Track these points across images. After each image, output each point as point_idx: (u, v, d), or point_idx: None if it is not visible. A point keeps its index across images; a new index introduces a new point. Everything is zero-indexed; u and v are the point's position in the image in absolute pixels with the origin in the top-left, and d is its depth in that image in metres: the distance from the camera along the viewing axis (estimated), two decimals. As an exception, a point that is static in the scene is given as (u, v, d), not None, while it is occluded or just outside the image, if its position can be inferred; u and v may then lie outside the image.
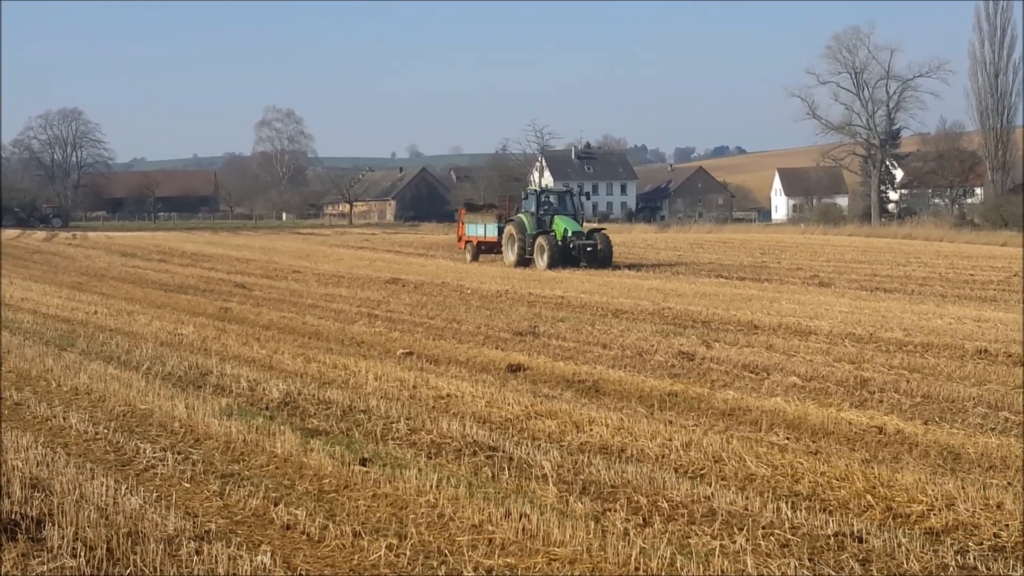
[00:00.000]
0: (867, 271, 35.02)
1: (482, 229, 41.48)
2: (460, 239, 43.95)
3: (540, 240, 36.16)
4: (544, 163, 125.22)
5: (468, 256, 41.81)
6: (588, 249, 35.85)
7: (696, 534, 7.15)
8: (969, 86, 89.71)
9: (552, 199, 38.69)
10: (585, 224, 38.52)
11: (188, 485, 8.45)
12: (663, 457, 9.17)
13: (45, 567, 6.56)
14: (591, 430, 10.06)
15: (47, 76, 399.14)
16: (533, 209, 37.78)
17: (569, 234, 36.00)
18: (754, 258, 42.99)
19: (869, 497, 7.90)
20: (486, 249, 41.17)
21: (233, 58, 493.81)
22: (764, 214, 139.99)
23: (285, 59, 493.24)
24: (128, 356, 14.89)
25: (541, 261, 35.78)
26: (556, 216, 37.17)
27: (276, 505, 7.80)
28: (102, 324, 18.97)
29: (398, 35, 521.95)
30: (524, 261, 36.81)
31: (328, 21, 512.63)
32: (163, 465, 8.97)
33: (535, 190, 39.71)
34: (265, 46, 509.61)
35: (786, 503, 7.71)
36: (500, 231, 39.48)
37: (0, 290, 25.78)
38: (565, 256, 35.71)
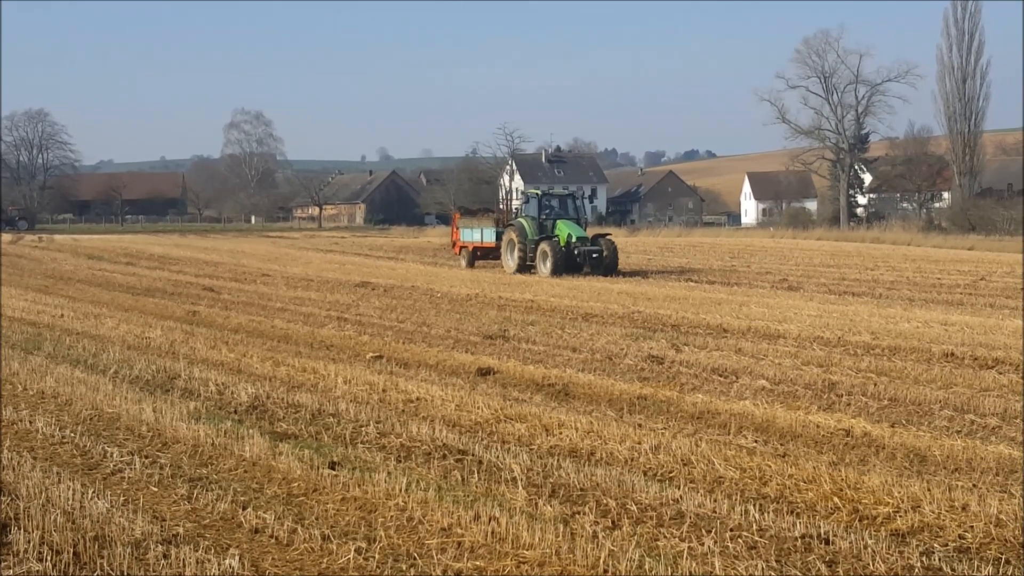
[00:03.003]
0: (835, 275, 35.23)
1: (478, 234, 39.89)
2: (455, 244, 42.18)
3: (543, 246, 34.35)
4: (515, 166, 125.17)
5: (463, 262, 40.23)
6: (594, 256, 34.13)
7: (664, 536, 7.17)
8: (937, 90, 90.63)
9: (554, 203, 36.72)
10: (588, 229, 36.53)
11: (156, 489, 8.40)
12: (632, 460, 9.20)
13: (11, 571, 6.51)
14: (560, 433, 10.08)
15: (12, 77, 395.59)
16: (534, 213, 36.04)
17: (573, 239, 34.27)
18: (723, 262, 43.15)
19: (836, 499, 7.95)
20: (482, 255, 39.87)
21: (202, 59, 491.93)
22: (734, 218, 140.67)
23: (254, 61, 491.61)
24: (95, 359, 14.78)
25: (544, 268, 34.07)
26: (559, 220, 35.51)
27: (244, 509, 7.77)
28: (69, 327, 18.82)
29: (368, 37, 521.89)
30: (525, 268, 35.01)
31: (298, 22, 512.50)
32: (130, 469, 8.91)
33: (536, 193, 37.41)
34: (234, 47, 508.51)
35: (754, 505, 7.76)
36: (498, 236, 37.92)
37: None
38: (569, 262, 34.05)
